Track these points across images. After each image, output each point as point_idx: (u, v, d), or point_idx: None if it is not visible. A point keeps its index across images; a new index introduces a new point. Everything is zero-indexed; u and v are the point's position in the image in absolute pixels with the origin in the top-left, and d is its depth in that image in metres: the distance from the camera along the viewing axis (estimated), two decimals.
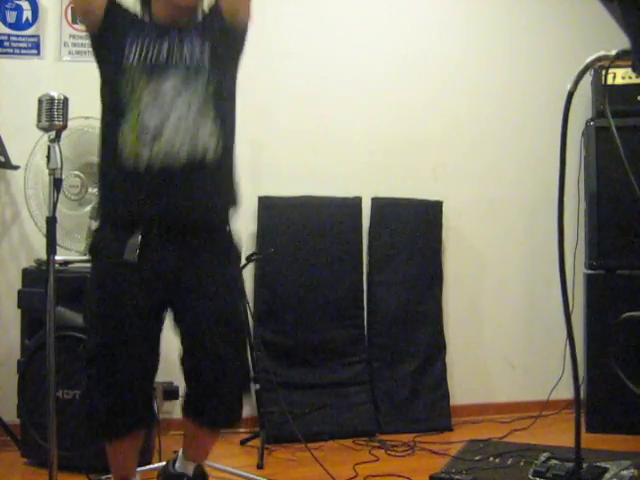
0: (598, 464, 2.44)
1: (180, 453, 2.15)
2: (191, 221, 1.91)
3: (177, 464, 2.12)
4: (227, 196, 2.01)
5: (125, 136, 1.85)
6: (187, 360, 1.97)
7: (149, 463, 2.65)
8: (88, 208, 2.87)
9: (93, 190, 2.86)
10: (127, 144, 1.85)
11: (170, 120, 1.84)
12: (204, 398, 1.96)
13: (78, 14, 2.02)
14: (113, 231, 1.93)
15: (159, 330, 1.97)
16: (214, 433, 2.11)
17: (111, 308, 1.91)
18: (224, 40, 1.97)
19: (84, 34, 3.36)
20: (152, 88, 1.87)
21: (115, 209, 1.93)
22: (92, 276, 2.02)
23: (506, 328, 3.66)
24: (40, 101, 2.10)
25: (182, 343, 1.98)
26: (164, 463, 2.23)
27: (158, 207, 1.87)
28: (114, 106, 1.90)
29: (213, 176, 1.91)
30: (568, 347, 1.72)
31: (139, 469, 2.52)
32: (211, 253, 1.95)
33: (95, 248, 2.00)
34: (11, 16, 3.22)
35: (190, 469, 2.08)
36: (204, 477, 2.13)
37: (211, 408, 1.96)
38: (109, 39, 1.94)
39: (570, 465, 2.36)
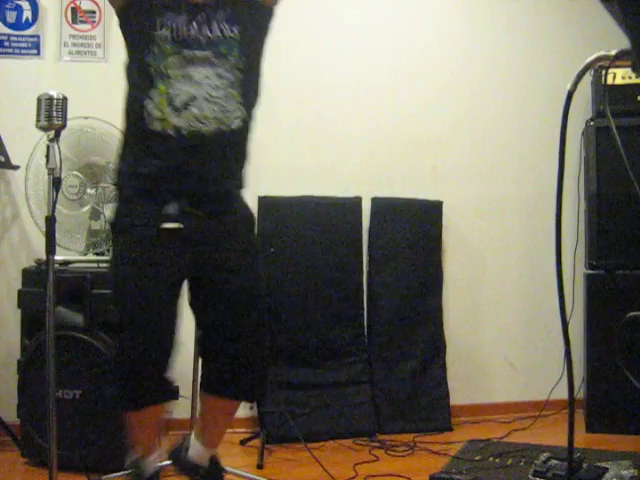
0: (598, 464, 2.44)
1: (192, 438, 2.15)
2: (221, 189, 1.95)
3: (190, 452, 2.13)
4: (245, 165, 2.05)
5: (154, 103, 1.87)
6: (209, 336, 2.01)
7: None
8: (87, 208, 2.87)
9: (92, 191, 2.86)
10: (156, 111, 1.87)
11: (200, 90, 1.88)
12: (226, 372, 1.99)
13: None
14: (144, 201, 1.91)
15: (178, 303, 1.99)
16: (234, 406, 2.11)
17: (144, 279, 1.90)
18: (253, 17, 2.00)
19: (85, 34, 3.39)
20: (183, 59, 1.90)
21: (145, 176, 1.91)
22: (122, 248, 1.96)
23: (506, 328, 3.65)
24: (39, 100, 2.10)
25: (202, 318, 2.02)
26: (171, 448, 2.24)
27: (190, 176, 1.90)
28: (143, 77, 1.91)
29: (237, 146, 1.98)
30: (564, 347, 1.72)
31: None
32: (235, 222, 2.00)
33: (123, 220, 1.95)
34: (11, 16, 3.22)
35: (205, 460, 2.10)
36: (220, 470, 2.13)
37: (234, 381, 1.99)
38: (138, 13, 1.94)
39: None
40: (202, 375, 2.09)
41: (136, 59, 1.96)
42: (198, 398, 2.23)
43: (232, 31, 1.95)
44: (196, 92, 1.88)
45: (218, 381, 2.02)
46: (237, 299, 1.97)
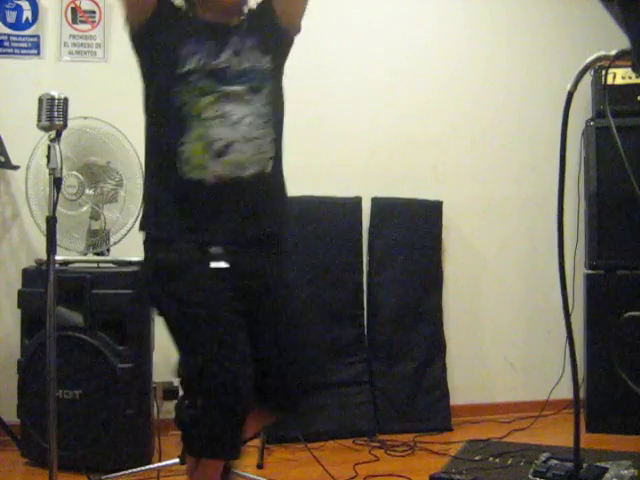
0: (598, 464, 2.43)
1: None
2: (263, 231, 1.84)
3: None
4: (285, 203, 1.95)
5: (190, 150, 1.73)
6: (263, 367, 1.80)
7: (149, 463, 2.65)
8: (85, 208, 2.87)
9: (90, 191, 2.86)
10: (194, 159, 1.73)
11: (239, 132, 1.74)
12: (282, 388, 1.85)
13: (124, 10, 1.82)
14: (188, 245, 1.77)
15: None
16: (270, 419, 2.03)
17: (214, 316, 1.72)
18: (279, 45, 1.89)
19: (85, 34, 3.39)
20: (218, 97, 1.74)
21: (184, 224, 1.78)
22: (183, 291, 1.77)
23: (506, 328, 3.66)
24: (40, 101, 2.10)
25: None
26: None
27: (230, 222, 1.78)
28: (173, 121, 1.76)
29: (274, 185, 1.86)
30: (568, 347, 1.72)
31: (138, 469, 2.54)
32: (279, 262, 1.89)
33: (173, 261, 1.78)
34: (11, 16, 3.22)
35: None
36: (229, 470, 1.98)
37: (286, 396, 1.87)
38: (159, 41, 1.79)
39: (570, 465, 2.35)
40: None
41: (161, 99, 1.79)
42: None
43: (264, 61, 1.81)
44: (235, 134, 1.73)
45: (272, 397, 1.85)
46: (283, 324, 1.86)
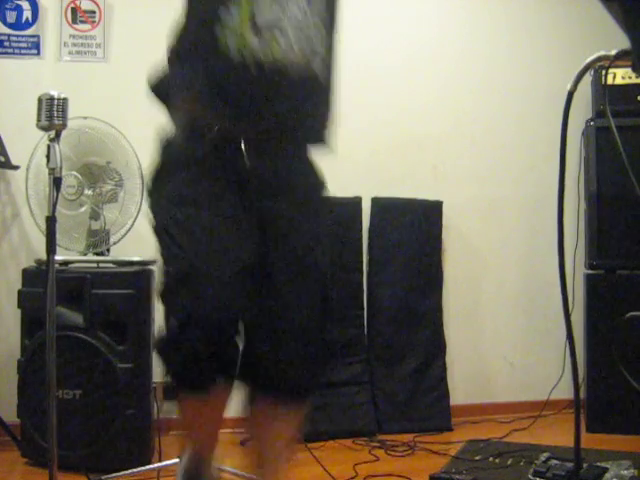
0: (598, 464, 2.44)
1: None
2: (299, 133, 1.67)
3: None
4: (327, 120, 1.78)
5: (230, 25, 1.50)
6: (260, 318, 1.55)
7: (149, 463, 2.65)
8: (85, 208, 2.87)
9: (89, 191, 2.86)
10: (233, 33, 1.50)
11: (287, 13, 1.53)
12: (277, 363, 1.57)
13: None
14: (206, 137, 1.56)
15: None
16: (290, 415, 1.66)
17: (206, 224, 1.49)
18: None
19: (85, 34, 3.39)
20: None
21: (218, 108, 1.56)
22: (174, 187, 1.55)
23: (506, 328, 3.65)
24: (40, 100, 2.10)
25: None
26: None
27: (265, 115, 1.57)
28: None
29: (322, 88, 1.70)
30: (568, 347, 1.72)
31: (138, 469, 2.53)
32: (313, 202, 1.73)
33: (178, 155, 1.60)
34: (11, 16, 3.22)
35: None
36: None
37: (290, 376, 1.59)
38: None
39: (570, 465, 2.35)
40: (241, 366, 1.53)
41: None
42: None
43: None
44: (282, 13, 1.52)
45: (270, 377, 1.58)
46: (297, 285, 1.59)
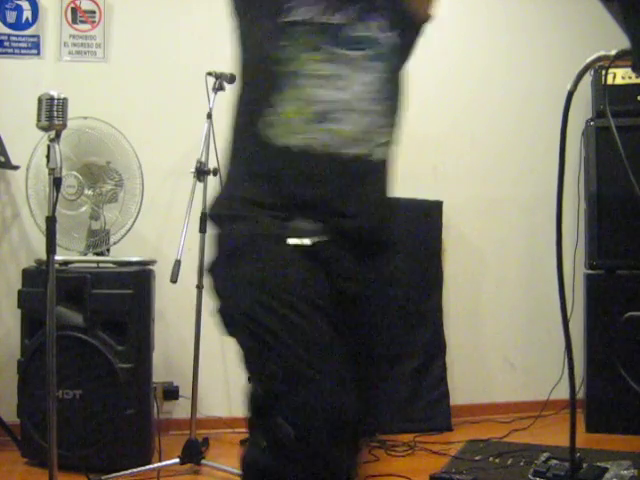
0: (598, 464, 2.44)
1: None
2: (362, 231, 1.52)
3: None
4: (390, 205, 1.69)
5: (279, 110, 1.41)
6: None
7: (149, 463, 2.65)
8: (85, 208, 2.87)
9: (89, 191, 2.86)
10: (281, 120, 1.41)
11: (346, 98, 1.42)
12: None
13: None
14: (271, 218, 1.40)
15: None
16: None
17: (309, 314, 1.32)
18: (404, 24, 1.60)
19: (85, 34, 3.39)
20: (324, 56, 1.43)
21: (259, 196, 1.41)
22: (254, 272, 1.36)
23: (506, 328, 3.65)
24: (40, 100, 2.10)
25: None
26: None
27: (322, 202, 1.43)
28: (262, 70, 1.46)
29: (380, 179, 1.59)
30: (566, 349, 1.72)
31: (138, 469, 2.54)
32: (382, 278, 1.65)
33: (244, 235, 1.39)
34: (11, 16, 3.22)
35: None
36: None
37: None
38: None
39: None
40: None
41: (254, 53, 1.49)
42: None
43: (390, 35, 1.51)
44: (341, 100, 1.41)
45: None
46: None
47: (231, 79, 2.84)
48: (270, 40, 1.43)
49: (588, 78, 3.26)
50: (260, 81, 1.46)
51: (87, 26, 3.28)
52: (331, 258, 1.42)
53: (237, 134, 1.51)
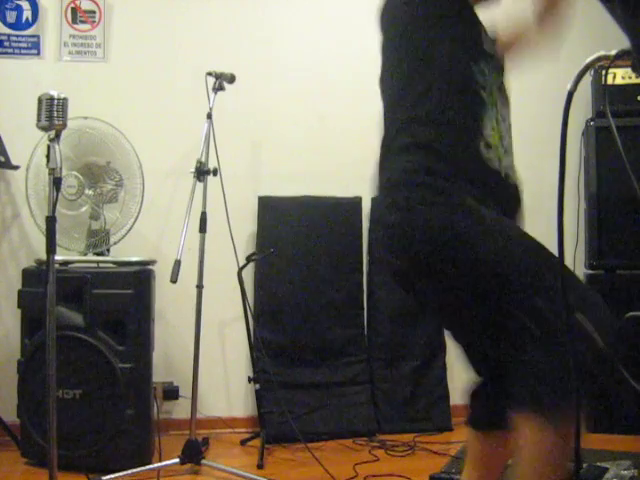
0: (598, 464, 2.43)
1: None
2: None
3: None
4: None
5: (490, 134, 1.59)
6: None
7: (149, 463, 2.65)
8: (85, 208, 2.87)
9: (89, 191, 2.86)
10: (492, 144, 1.59)
11: (508, 133, 1.69)
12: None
13: None
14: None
15: None
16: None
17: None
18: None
19: (85, 34, 3.39)
20: (500, 86, 1.66)
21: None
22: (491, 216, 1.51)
23: None
24: (40, 100, 2.09)
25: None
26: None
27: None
28: (474, 94, 1.58)
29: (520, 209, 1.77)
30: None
31: (138, 469, 2.54)
32: None
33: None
34: (11, 16, 3.22)
35: None
36: None
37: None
38: (468, 12, 1.66)
39: (570, 465, 2.35)
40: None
41: (458, 69, 1.57)
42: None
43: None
44: (507, 133, 1.68)
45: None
46: None
47: (231, 79, 2.84)
48: (474, 61, 1.58)
49: (588, 78, 3.26)
50: (467, 99, 1.57)
51: (87, 26, 3.28)
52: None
53: (426, 127, 1.64)
